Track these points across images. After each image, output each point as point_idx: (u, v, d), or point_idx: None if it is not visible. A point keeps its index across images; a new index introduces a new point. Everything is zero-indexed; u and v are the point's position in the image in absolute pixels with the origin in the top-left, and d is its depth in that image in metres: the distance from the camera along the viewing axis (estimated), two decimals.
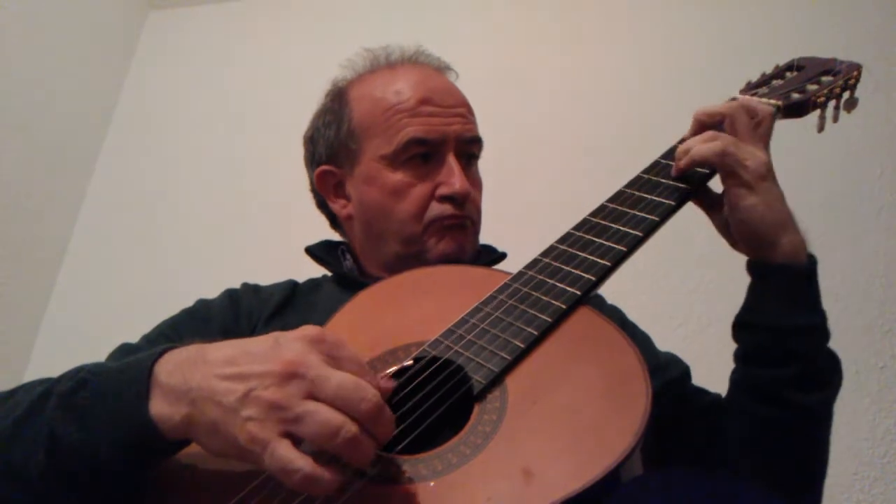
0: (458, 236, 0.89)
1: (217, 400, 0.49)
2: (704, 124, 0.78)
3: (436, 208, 0.88)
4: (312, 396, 0.47)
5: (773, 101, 0.83)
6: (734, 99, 0.83)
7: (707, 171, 0.76)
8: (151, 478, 0.55)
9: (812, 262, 0.73)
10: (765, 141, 0.76)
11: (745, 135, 0.74)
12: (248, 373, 0.49)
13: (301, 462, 0.45)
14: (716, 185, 0.78)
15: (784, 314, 0.71)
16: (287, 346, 0.50)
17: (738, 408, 0.74)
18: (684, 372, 0.87)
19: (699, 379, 0.88)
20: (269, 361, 0.49)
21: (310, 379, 0.47)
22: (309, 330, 0.51)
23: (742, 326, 0.75)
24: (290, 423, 0.46)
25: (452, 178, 0.88)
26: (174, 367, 0.53)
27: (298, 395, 0.47)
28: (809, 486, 0.74)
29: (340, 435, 0.46)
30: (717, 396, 0.82)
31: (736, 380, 0.76)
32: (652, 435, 0.71)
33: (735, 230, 0.74)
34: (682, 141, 0.80)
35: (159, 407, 0.51)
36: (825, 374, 0.72)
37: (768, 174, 0.72)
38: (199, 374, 0.50)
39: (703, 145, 0.73)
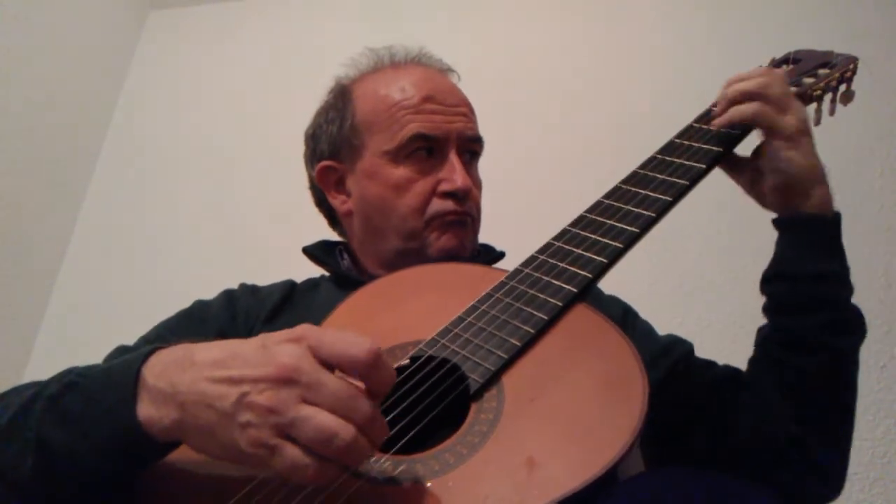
0: (458, 232, 0.90)
1: (209, 403, 0.48)
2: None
3: (437, 204, 0.89)
4: (307, 401, 0.46)
5: None
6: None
7: (719, 150, 0.78)
8: (145, 480, 0.55)
9: (838, 215, 0.77)
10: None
11: (784, 94, 0.77)
12: (240, 376, 0.48)
13: (310, 461, 0.45)
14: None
15: (816, 262, 0.75)
16: (278, 348, 0.48)
17: (773, 362, 0.76)
18: (689, 349, 0.88)
19: None
20: (262, 365, 0.47)
21: (304, 384, 0.47)
22: (296, 330, 0.50)
23: (774, 279, 0.78)
24: (285, 427, 0.46)
25: (454, 174, 0.88)
26: (162, 368, 0.52)
27: (293, 399, 0.46)
28: (847, 429, 0.77)
29: (336, 441, 0.45)
30: (729, 366, 0.84)
31: (767, 334, 0.78)
32: (683, 408, 0.78)
33: (772, 181, 0.77)
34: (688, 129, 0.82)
35: (147, 410, 0.50)
36: (854, 320, 0.76)
37: (806, 129, 0.76)
38: (188, 376, 0.50)
39: (739, 108, 0.77)
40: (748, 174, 0.82)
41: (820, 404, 0.74)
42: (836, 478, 0.77)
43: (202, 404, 0.48)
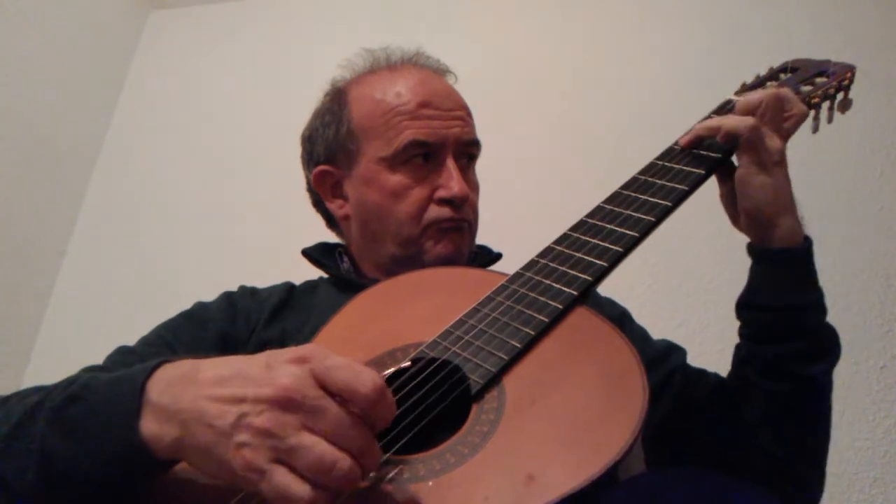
0: (455, 239, 0.89)
1: (208, 422, 0.47)
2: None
3: (434, 211, 0.88)
4: (307, 427, 0.46)
5: None
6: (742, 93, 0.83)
7: (718, 157, 0.79)
8: (144, 492, 0.55)
9: (808, 243, 0.77)
10: (786, 135, 0.80)
11: (769, 122, 0.77)
12: (241, 396, 0.47)
13: (300, 489, 0.44)
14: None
15: (786, 294, 0.75)
16: (281, 369, 0.48)
17: (747, 383, 0.77)
18: (684, 358, 0.89)
19: None
20: (264, 386, 0.47)
21: (306, 409, 0.46)
22: (302, 350, 0.49)
23: (746, 307, 0.79)
24: (283, 452, 0.45)
25: (451, 181, 0.88)
26: (166, 384, 0.51)
27: (293, 425, 0.46)
28: (824, 444, 0.79)
29: (335, 471, 0.45)
30: (718, 375, 0.86)
31: (743, 357, 0.79)
32: (677, 417, 0.81)
33: (741, 204, 0.78)
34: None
35: (150, 426, 0.50)
36: (826, 345, 0.77)
37: (782, 161, 0.76)
38: (190, 394, 0.49)
39: (734, 119, 0.77)
40: (726, 188, 0.81)
41: (796, 424, 0.76)
42: (815, 489, 0.79)
43: (201, 423, 0.48)
